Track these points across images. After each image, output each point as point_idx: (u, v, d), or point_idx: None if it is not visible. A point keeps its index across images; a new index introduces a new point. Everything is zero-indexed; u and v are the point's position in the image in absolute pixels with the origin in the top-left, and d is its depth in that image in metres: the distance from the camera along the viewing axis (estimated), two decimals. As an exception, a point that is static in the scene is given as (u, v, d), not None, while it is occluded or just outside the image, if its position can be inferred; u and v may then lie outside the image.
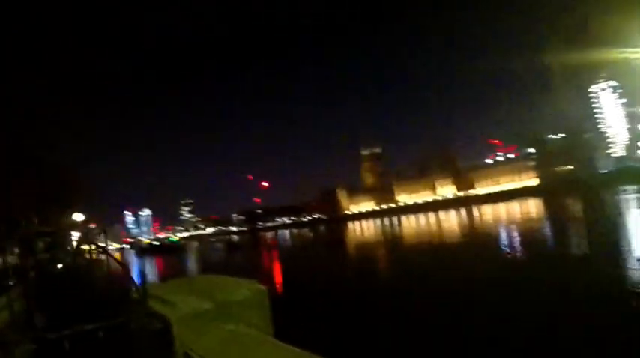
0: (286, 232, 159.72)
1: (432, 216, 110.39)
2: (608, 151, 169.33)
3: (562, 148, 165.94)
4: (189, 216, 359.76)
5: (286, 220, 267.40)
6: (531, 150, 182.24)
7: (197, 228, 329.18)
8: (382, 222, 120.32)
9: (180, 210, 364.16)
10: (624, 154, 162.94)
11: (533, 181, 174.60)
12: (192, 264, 63.83)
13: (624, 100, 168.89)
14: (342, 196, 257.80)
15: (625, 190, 77.54)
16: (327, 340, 12.42)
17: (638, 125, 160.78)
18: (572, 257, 23.76)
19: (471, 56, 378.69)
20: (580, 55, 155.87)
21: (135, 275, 3.97)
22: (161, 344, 3.08)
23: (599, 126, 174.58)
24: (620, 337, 10.45)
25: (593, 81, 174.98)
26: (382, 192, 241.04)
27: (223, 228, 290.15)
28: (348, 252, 51.06)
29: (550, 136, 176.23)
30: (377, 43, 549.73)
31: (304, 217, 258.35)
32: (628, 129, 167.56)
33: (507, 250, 30.12)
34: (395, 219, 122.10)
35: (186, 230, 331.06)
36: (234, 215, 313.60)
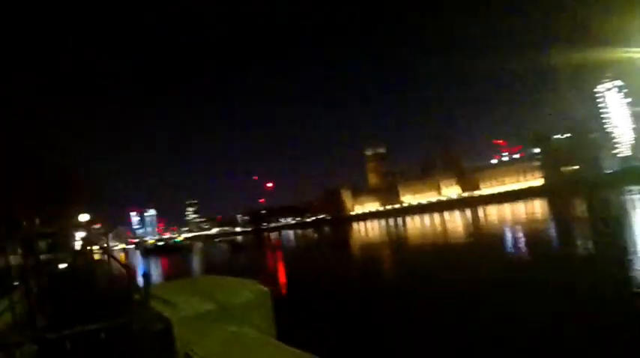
0: (290, 233, 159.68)
1: (436, 216, 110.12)
2: (614, 151, 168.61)
3: (567, 148, 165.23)
4: (193, 216, 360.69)
5: (290, 220, 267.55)
6: (536, 150, 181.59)
7: (201, 229, 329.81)
8: (387, 222, 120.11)
9: (185, 210, 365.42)
10: (630, 154, 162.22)
11: (539, 181, 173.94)
12: (196, 264, 63.91)
13: (629, 100, 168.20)
14: (347, 196, 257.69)
15: (630, 190, 77.09)
16: (331, 341, 12.40)
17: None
18: (577, 257, 23.60)
19: (476, 56, 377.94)
20: (585, 54, 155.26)
21: (138, 275, 3.96)
22: (162, 345, 3.06)
23: (604, 126, 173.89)
24: (624, 337, 10.37)
25: (599, 81, 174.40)
26: (386, 193, 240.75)
27: (228, 229, 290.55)
28: (353, 252, 50.98)
29: (555, 136, 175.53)
30: (378, 43, 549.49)
31: (308, 218, 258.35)
32: (633, 128, 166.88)
33: (512, 250, 30.01)
34: (400, 220, 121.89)
35: (191, 230, 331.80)
36: (239, 215, 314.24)
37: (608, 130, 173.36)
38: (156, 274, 54.08)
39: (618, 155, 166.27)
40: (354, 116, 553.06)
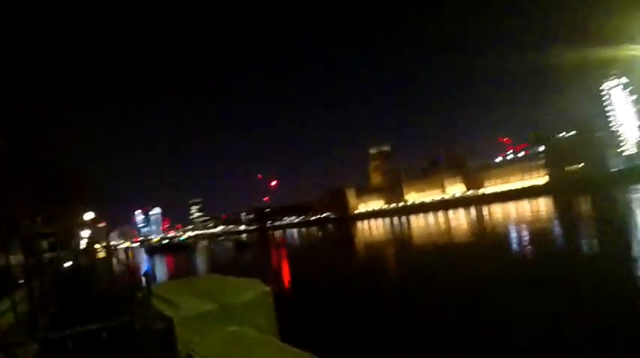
0: (295, 231, 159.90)
1: (441, 215, 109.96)
2: (619, 149, 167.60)
3: (572, 146, 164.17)
4: (197, 215, 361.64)
5: (295, 219, 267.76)
6: (541, 148, 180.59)
7: (206, 227, 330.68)
8: (391, 221, 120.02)
9: (190, 209, 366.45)
10: (635, 152, 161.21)
11: (543, 180, 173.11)
12: (201, 262, 64.10)
13: (635, 97, 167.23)
14: (351, 195, 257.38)
15: (636, 189, 76.69)
16: (334, 339, 12.41)
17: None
18: (582, 256, 23.51)
19: (478, 55, 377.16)
20: (589, 52, 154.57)
21: (140, 274, 3.97)
22: (164, 345, 3.06)
23: (610, 124, 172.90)
24: (624, 338, 10.34)
25: (604, 78, 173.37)
26: (391, 191, 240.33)
27: (232, 227, 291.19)
28: (357, 251, 50.99)
29: (560, 134, 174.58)
30: (379, 43, 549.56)
31: (313, 216, 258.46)
32: (639, 126, 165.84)
33: (516, 250, 29.93)
34: (404, 219, 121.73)
35: (195, 229, 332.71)
36: (243, 214, 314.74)
37: (614, 128, 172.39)
38: (161, 272, 54.30)
39: (624, 153, 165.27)
40: (356, 115, 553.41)
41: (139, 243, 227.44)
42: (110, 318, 3.22)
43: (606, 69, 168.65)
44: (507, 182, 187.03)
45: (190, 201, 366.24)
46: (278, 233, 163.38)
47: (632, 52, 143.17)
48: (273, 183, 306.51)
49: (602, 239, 28.34)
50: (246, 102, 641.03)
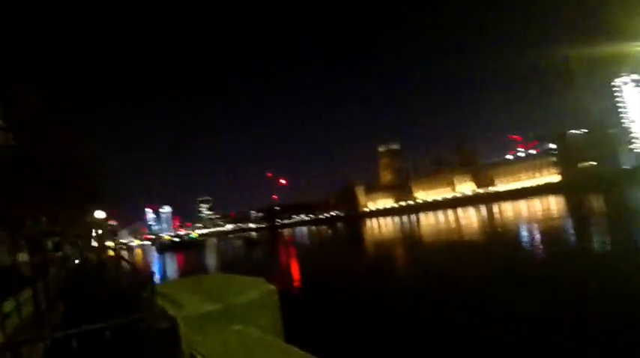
0: (304, 229, 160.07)
1: (450, 213, 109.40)
2: (631, 146, 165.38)
3: (584, 144, 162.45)
4: (208, 213, 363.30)
5: (304, 217, 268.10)
6: (553, 146, 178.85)
7: (216, 225, 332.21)
8: (400, 219, 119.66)
9: (199, 207, 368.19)
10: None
11: (555, 178, 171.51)
12: (210, 260, 64.45)
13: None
14: (360, 193, 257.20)
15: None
16: (343, 338, 12.40)
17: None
18: (594, 255, 23.24)
19: (490, 51, 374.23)
20: (600, 48, 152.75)
21: (146, 273, 3.96)
22: (168, 344, 3.05)
23: (622, 121, 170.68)
24: (630, 336, 10.25)
25: (616, 75, 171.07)
26: (400, 189, 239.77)
27: (242, 225, 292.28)
28: (367, 249, 50.89)
29: (572, 132, 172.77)
30: (392, 41, 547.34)
31: (322, 214, 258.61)
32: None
33: (527, 249, 29.64)
34: (413, 217, 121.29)
35: (205, 226, 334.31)
36: (253, 212, 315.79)
37: (626, 125, 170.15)
38: (171, 270, 54.69)
39: (636, 150, 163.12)
40: (361, 114, 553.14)
41: (149, 241, 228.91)
42: (115, 317, 3.22)
43: (618, 65, 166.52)
44: (518, 180, 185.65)
45: (200, 199, 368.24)
46: (287, 231, 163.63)
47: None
48: (283, 181, 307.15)
49: (615, 238, 28.03)
50: (247, 101, 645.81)
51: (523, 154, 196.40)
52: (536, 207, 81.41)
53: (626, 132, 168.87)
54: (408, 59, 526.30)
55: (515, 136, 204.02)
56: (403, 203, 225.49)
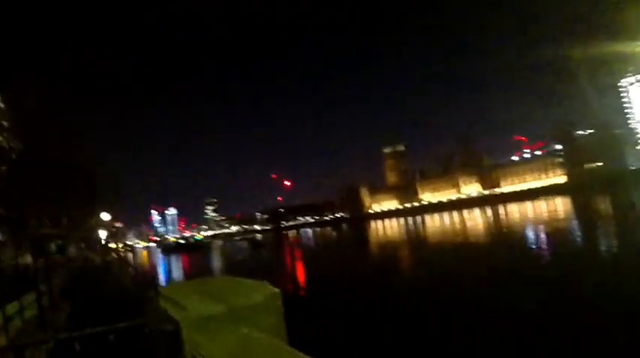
0: (309, 231, 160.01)
1: (456, 215, 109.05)
2: (638, 147, 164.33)
3: (590, 144, 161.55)
4: (213, 215, 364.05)
5: (309, 219, 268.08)
6: (558, 146, 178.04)
7: (221, 227, 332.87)
8: (406, 221, 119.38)
9: (205, 208, 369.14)
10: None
11: (561, 179, 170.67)
12: (216, 261, 64.52)
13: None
14: (365, 194, 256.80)
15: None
16: (346, 339, 12.36)
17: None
18: (601, 257, 23.06)
19: (494, 52, 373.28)
20: (606, 48, 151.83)
21: (150, 275, 3.96)
22: (171, 347, 3.02)
23: (628, 121, 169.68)
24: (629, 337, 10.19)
25: (621, 75, 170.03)
26: (405, 191, 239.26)
27: (247, 227, 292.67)
28: (372, 251, 50.81)
29: (578, 132, 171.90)
30: (392, 41, 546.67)
31: (327, 216, 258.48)
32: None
33: (532, 251, 29.44)
34: (419, 218, 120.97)
35: (211, 228, 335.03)
36: (258, 214, 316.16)
37: (632, 125, 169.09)
38: (177, 273, 54.78)
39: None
40: (366, 113, 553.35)
41: (155, 243, 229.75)
42: (118, 320, 3.20)
43: (624, 65, 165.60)
44: (524, 181, 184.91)
45: (205, 201, 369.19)
46: (292, 233, 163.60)
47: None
48: (288, 183, 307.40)
49: (621, 239, 27.83)
50: (247, 101, 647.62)
51: (529, 155, 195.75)
52: (542, 208, 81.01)
53: (633, 132, 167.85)
54: (408, 59, 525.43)
55: (521, 137, 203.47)
56: (408, 204, 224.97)
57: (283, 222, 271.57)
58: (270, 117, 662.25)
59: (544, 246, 30.57)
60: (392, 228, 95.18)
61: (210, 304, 3.36)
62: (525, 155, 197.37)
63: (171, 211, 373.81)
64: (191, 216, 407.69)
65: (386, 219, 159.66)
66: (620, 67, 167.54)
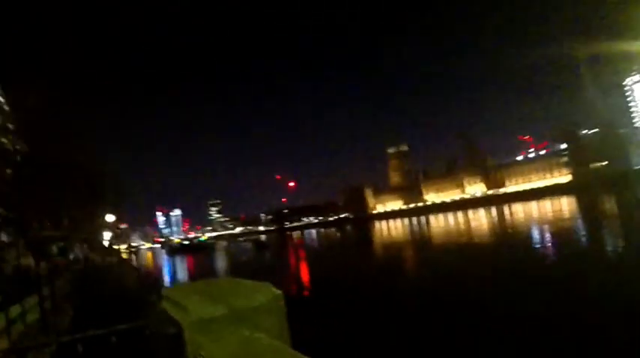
0: (313, 231, 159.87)
1: (460, 215, 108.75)
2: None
3: (595, 144, 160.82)
4: (217, 216, 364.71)
5: (313, 219, 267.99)
6: (563, 146, 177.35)
7: (225, 228, 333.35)
8: (410, 221, 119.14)
9: (209, 210, 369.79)
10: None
11: (566, 178, 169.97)
12: (220, 262, 64.57)
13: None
14: (369, 195, 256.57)
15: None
16: (350, 340, 12.33)
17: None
18: (606, 257, 22.91)
19: (498, 52, 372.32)
20: (610, 47, 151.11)
21: (153, 277, 3.95)
22: (173, 350, 3.01)
23: (633, 120, 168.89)
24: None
25: (627, 74, 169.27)
26: (409, 191, 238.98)
27: (251, 228, 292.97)
28: (376, 252, 50.71)
29: (583, 132, 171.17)
30: (392, 41, 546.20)
31: (331, 216, 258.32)
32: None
33: (537, 252, 29.29)
34: (423, 219, 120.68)
35: (215, 229, 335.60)
36: (262, 215, 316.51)
37: (637, 125, 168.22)
38: (181, 273, 54.87)
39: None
40: (367, 113, 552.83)
41: (160, 244, 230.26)
42: (121, 322, 3.19)
43: (628, 64, 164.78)
44: (529, 181, 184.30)
45: (209, 203, 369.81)
46: (296, 234, 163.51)
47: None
48: (292, 184, 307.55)
49: (627, 239, 27.64)
50: (247, 101, 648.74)
51: (533, 155, 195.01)
52: (547, 208, 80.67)
53: (637, 131, 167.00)
54: (408, 59, 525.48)
55: (526, 137, 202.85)
56: (413, 205, 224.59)
57: (287, 223, 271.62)
58: (270, 117, 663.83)
59: (549, 246, 30.43)
60: (396, 228, 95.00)
61: (212, 306, 3.35)
62: (530, 155, 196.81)
63: (176, 212, 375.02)
64: (195, 217, 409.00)
65: (390, 220, 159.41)
66: (624, 65, 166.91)
